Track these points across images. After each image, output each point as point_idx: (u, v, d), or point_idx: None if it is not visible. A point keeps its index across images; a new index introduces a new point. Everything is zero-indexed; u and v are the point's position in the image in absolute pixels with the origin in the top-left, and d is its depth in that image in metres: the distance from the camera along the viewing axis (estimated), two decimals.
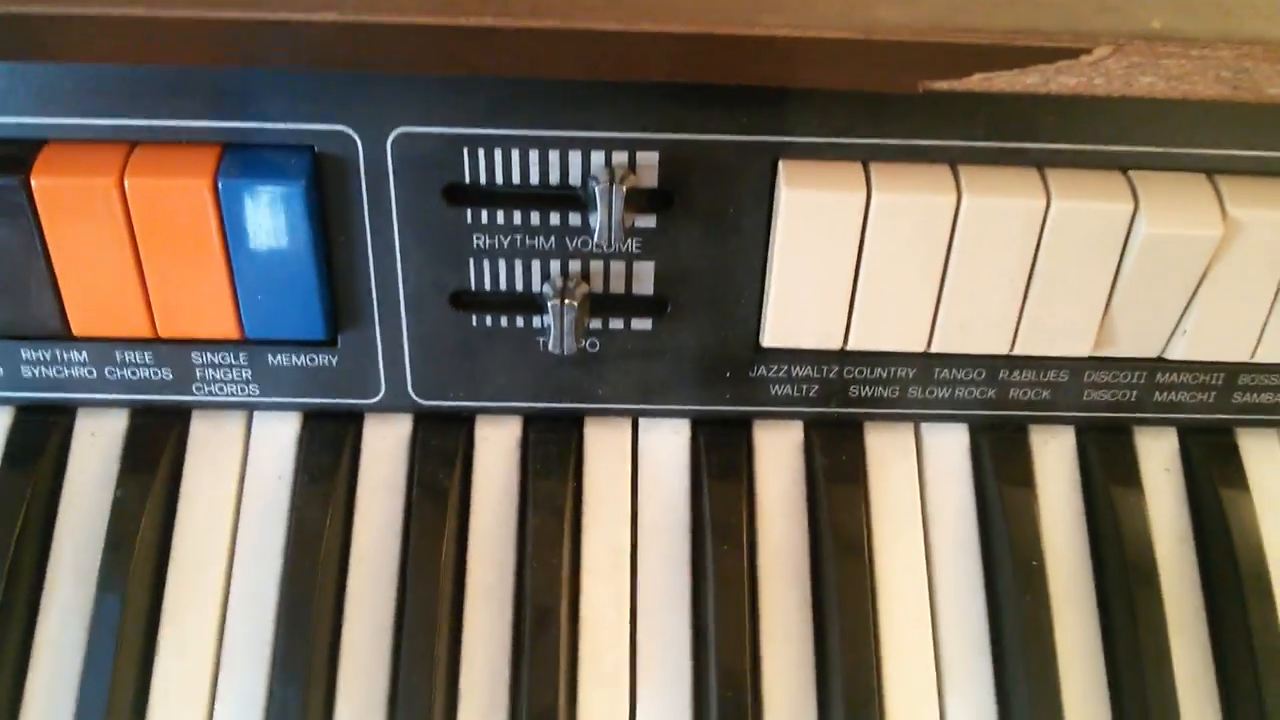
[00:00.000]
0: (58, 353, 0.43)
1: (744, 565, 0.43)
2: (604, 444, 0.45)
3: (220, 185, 0.39)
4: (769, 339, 0.42)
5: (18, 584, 0.42)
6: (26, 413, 0.45)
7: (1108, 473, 0.45)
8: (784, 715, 0.42)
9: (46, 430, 0.45)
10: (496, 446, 0.45)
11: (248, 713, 0.41)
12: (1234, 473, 0.45)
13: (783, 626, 0.43)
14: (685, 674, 0.42)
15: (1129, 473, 0.45)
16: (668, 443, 0.46)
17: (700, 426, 0.46)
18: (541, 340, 0.43)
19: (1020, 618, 0.42)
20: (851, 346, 0.42)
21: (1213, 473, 0.45)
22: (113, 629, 0.41)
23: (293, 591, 0.42)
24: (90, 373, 0.44)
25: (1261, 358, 0.43)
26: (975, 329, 0.42)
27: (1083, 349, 0.43)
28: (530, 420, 0.46)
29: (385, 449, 0.45)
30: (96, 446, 0.45)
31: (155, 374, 0.44)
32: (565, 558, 0.43)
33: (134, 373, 0.44)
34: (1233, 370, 0.44)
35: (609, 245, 0.40)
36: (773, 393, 0.45)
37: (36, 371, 0.44)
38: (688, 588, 0.44)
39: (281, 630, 0.42)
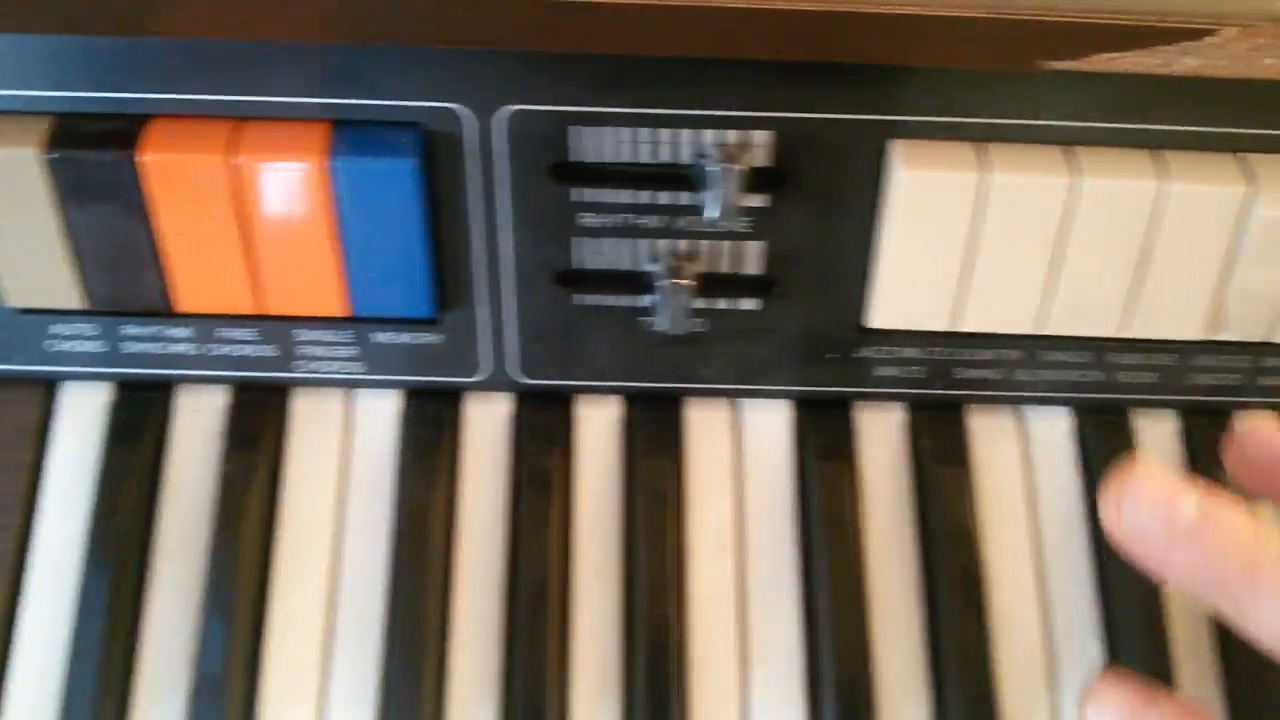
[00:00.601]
0: (161, 329, 0.43)
1: (855, 547, 0.43)
2: (705, 424, 0.45)
3: (332, 163, 0.39)
4: (875, 320, 0.42)
5: (128, 562, 0.43)
6: (127, 389, 0.45)
7: (1212, 455, 0.45)
8: (898, 699, 0.42)
9: (148, 407, 0.45)
10: (598, 426, 0.45)
11: (361, 689, 0.42)
12: None
13: (893, 610, 0.43)
14: (796, 657, 0.42)
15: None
16: (769, 423, 0.45)
17: (801, 407, 0.46)
18: (646, 320, 0.43)
19: (1135, 601, 0.42)
20: (959, 328, 0.42)
21: None
22: (225, 607, 0.42)
23: (403, 570, 0.42)
24: (193, 349, 0.44)
25: None
26: (1085, 311, 0.42)
27: (1193, 332, 0.42)
28: (630, 400, 0.46)
29: (487, 427, 0.45)
30: (198, 423, 0.45)
31: (258, 351, 0.44)
32: (672, 538, 0.43)
33: (237, 349, 0.44)
34: None
35: (721, 225, 0.40)
36: (876, 374, 0.44)
37: (139, 348, 0.44)
38: (796, 570, 0.44)
39: (394, 608, 0.42)
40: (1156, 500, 0.31)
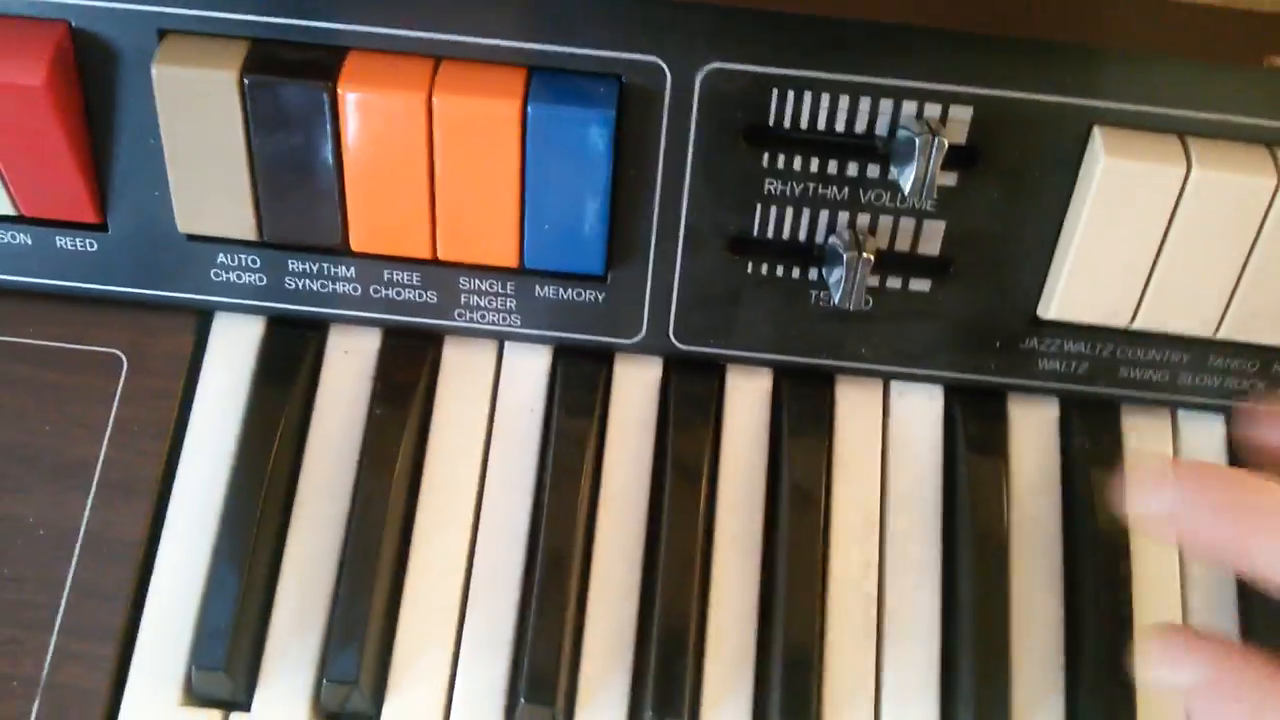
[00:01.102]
0: (326, 266, 0.43)
1: (1003, 540, 0.42)
2: (857, 405, 0.45)
3: (529, 109, 0.38)
4: (1054, 311, 0.41)
5: (272, 497, 0.42)
6: (280, 325, 0.45)
7: None
8: (1034, 693, 0.41)
9: (301, 345, 0.45)
10: (749, 398, 0.45)
11: (495, 640, 0.41)
12: None
13: (1034, 606, 0.42)
14: (934, 643, 0.42)
15: None
16: (922, 408, 0.45)
17: (954, 394, 0.45)
18: (816, 293, 0.42)
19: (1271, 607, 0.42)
20: (1136, 326, 0.41)
21: None
22: (369, 548, 0.41)
23: (546, 527, 0.42)
24: (354, 290, 0.43)
25: None
26: (1265, 319, 0.41)
27: None
28: (782, 373, 0.45)
29: (638, 391, 0.45)
30: (351, 364, 0.45)
31: (419, 296, 0.43)
32: (820, 514, 0.43)
33: (398, 293, 0.43)
34: None
35: (919, 202, 0.39)
36: (1039, 367, 0.44)
37: (300, 284, 0.43)
38: (939, 556, 0.43)
39: (534, 564, 0.42)
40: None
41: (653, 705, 0.40)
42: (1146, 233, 0.39)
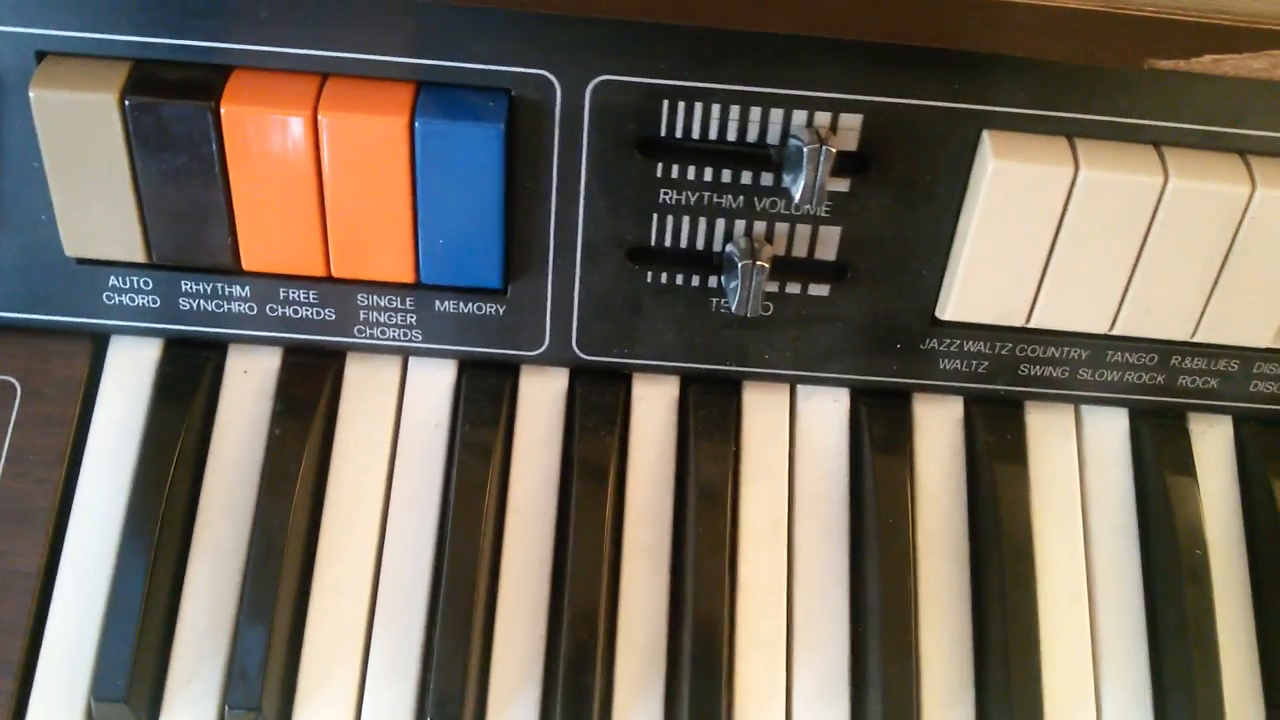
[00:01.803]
0: (220, 286, 0.42)
1: (909, 541, 0.43)
2: (764, 410, 0.45)
3: (417, 124, 0.38)
4: (951, 312, 0.42)
5: (171, 522, 0.42)
6: (177, 346, 0.44)
7: (1270, 466, 0.45)
8: (943, 691, 0.42)
9: (199, 366, 0.44)
10: (655, 406, 0.45)
11: (402, 661, 0.41)
12: None
13: (942, 604, 0.43)
14: (843, 642, 0.42)
15: None
16: (827, 411, 0.45)
17: (860, 396, 0.45)
18: (716, 301, 0.42)
19: (1183, 607, 0.42)
20: (1033, 324, 0.42)
21: None
22: (271, 570, 0.41)
23: (452, 543, 0.41)
24: (250, 309, 0.43)
25: None
26: (1160, 313, 0.42)
27: (1264, 339, 0.42)
28: (688, 381, 0.45)
29: (543, 402, 0.44)
30: (250, 384, 0.44)
31: (317, 314, 0.43)
32: (726, 520, 0.43)
33: (295, 311, 0.43)
34: None
35: (811, 208, 0.40)
36: (941, 367, 0.44)
37: (195, 305, 0.43)
38: (846, 559, 0.43)
39: (440, 582, 0.41)
40: None
41: (562, 717, 0.40)
42: (1038, 233, 0.40)
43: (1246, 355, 0.44)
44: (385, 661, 0.41)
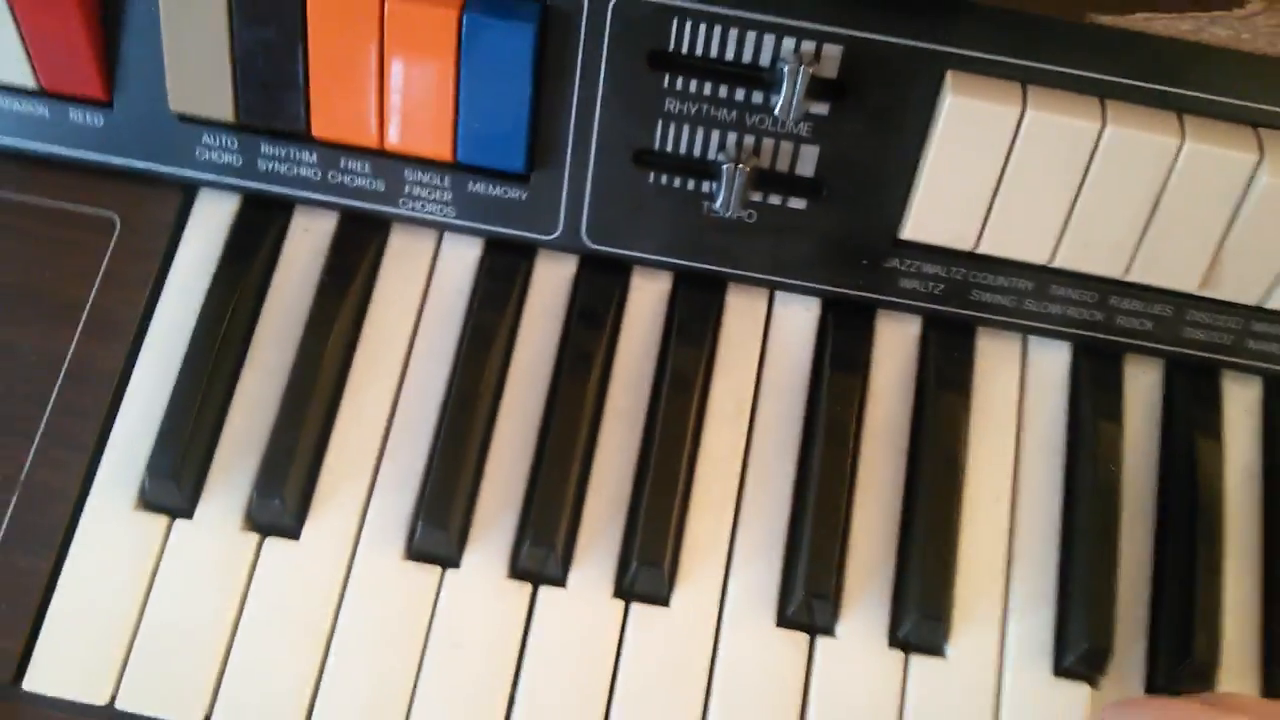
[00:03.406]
0: (292, 150, 0.50)
1: (850, 434, 0.48)
2: (742, 308, 0.51)
3: (465, 18, 0.45)
4: (909, 232, 0.48)
5: (230, 343, 0.49)
6: (253, 202, 0.52)
7: (1192, 414, 0.49)
8: (866, 565, 0.47)
9: (268, 220, 0.52)
10: (648, 296, 0.51)
11: (406, 480, 0.48)
12: None
13: (875, 491, 0.48)
14: (784, 513, 0.48)
15: (1212, 416, 0.50)
16: (798, 316, 0.51)
17: (829, 306, 0.51)
18: (706, 204, 0.49)
19: (1092, 524, 0.47)
20: (981, 250, 0.47)
21: None
22: (305, 390, 0.48)
23: (462, 385, 0.48)
24: (316, 174, 0.50)
25: None
26: (1096, 249, 0.47)
27: (1190, 285, 0.47)
28: (680, 277, 0.52)
29: (553, 282, 0.51)
30: (309, 241, 0.52)
31: (370, 183, 0.50)
32: (695, 398, 0.49)
33: (352, 180, 0.50)
34: None
35: (785, 124, 0.46)
36: (900, 285, 0.50)
37: (270, 166, 0.50)
38: (797, 443, 0.49)
39: (447, 419, 0.48)
40: None
41: (530, 539, 0.46)
42: (988, 166, 0.45)
43: (1178, 300, 0.48)
44: (392, 478, 0.48)
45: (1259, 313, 0.48)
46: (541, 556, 0.46)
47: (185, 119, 0.50)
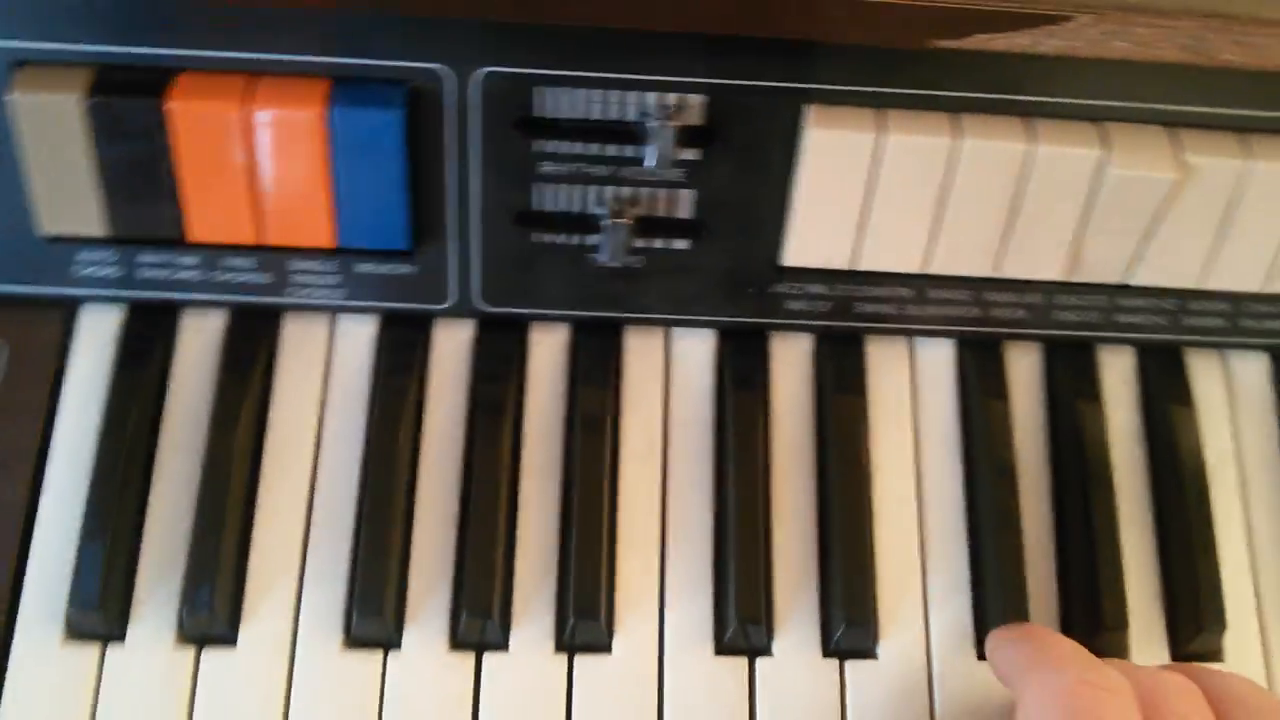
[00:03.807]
0: (172, 256, 0.49)
1: (760, 455, 0.50)
2: (641, 349, 0.52)
3: (331, 113, 0.45)
4: (789, 259, 0.49)
5: (135, 458, 0.49)
6: (138, 311, 0.51)
7: (1072, 386, 0.52)
8: (792, 581, 0.49)
9: (156, 327, 0.51)
10: (548, 349, 0.52)
11: (335, 567, 0.48)
12: (1181, 385, 0.53)
13: (791, 504, 0.50)
14: (707, 544, 0.50)
15: (1091, 386, 0.53)
16: (696, 349, 0.53)
17: (724, 336, 0.53)
18: (593, 256, 0.50)
19: (994, 507, 0.50)
20: (858, 267, 0.50)
21: (1163, 385, 0.53)
22: (218, 494, 0.48)
23: (376, 465, 0.49)
24: (198, 276, 0.50)
25: (1211, 285, 0.50)
26: (966, 253, 0.49)
27: (1055, 274, 0.50)
28: (577, 327, 0.53)
29: (453, 349, 0.52)
30: (200, 341, 0.51)
31: (256, 278, 0.50)
32: (607, 441, 0.50)
33: (237, 276, 0.50)
34: (1184, 296, 0.51)
35: (659, 174, 0.47)
36: (788, 307, 0.52)
37: (151, 273, 0.50)
38: (711, 473, 0.51)
39: (367, 501, 0.49)
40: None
41: (467, 609, 0.47)
42: (854, 190, 0.47)
43: (1047, 288, 0.51)
44: (319, 570, 0.48)
45: (1122, 289, 0.51)
46: (480, 625, 0.47)
47: (58, 239, 0.49)
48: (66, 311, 0.51)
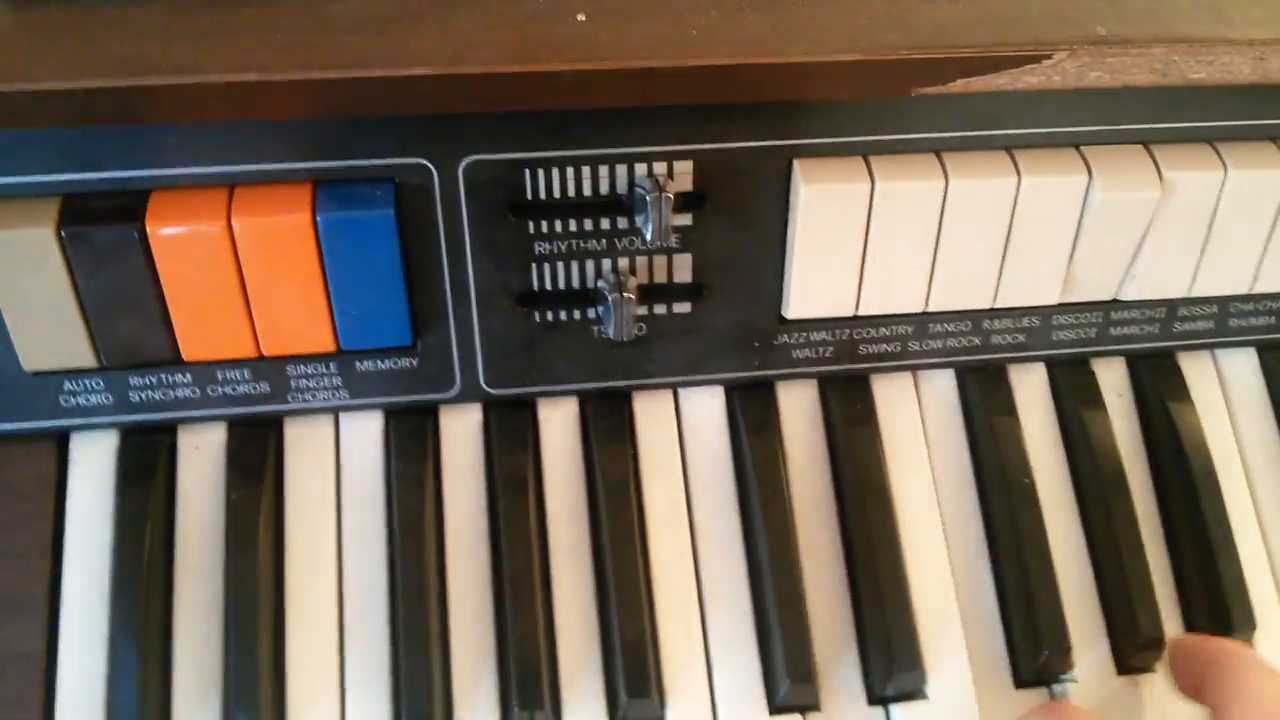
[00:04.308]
0: (165, 377, 0.48)
1: (787, 507, 0.50)
2: (653, 414, 0.52)
3: (318, 219, 0.44)
4: (791, 311, 0.49)
5: (153, 589, 0.47)
6: (133, 434, 0.50)
7: (1076, 399, 0.53)
8: (831, 632, 0.50)
9: (155, 449, 0.50)
10: (559, 425, 0.52)
11: (375, 675, 0.48)
12: (1178, 388, 0.54)
13: (820, 554, 0.51)
14: (746, 601, 0.50)
15: (1093, 397, 0.54)
16: (707, 407, 0.52)
17: (733, 391, 0.53)
18: (596, 329, 0.50)
19: (1017, 527, 0.51)
20: (861, 312, 0.50)
21: (1161, 390, 0.54)
22: (247, 619, 0.47)
23: (402, 567, 0.48)
24: (194, 393, 0.49)
25: (1197, 292, 0.51)
26: (963, 288, 0.50)
27: (1051, 298, 0.51)
28: (585, 399, 0.52)
29: (463, 435, 0.51)
30: (203, 458, 0.50)
31: (254, 389, 0.49)
32: (634, 508, 0.50)
33: (234, 389, 0.49)
34: (1173, 304, 0.53)
35: (662, 243, 0.47)
36: (794, 356, 0.52)
37: (144, 396, 0.49)
38: (739, 530, 0.51)
39: (397, 601, 0.48)
40: None
41: (518, 703, 0.46)
42: (850, 239, 0.47)
43: (1043, 311, 0.52)
44: (361, 680, 0.48)
45: (1114, 304, 0.52)
46: (530, 716, 0.47)
47: (42, 374, 0.47)
48: (56, 443, 0.49)
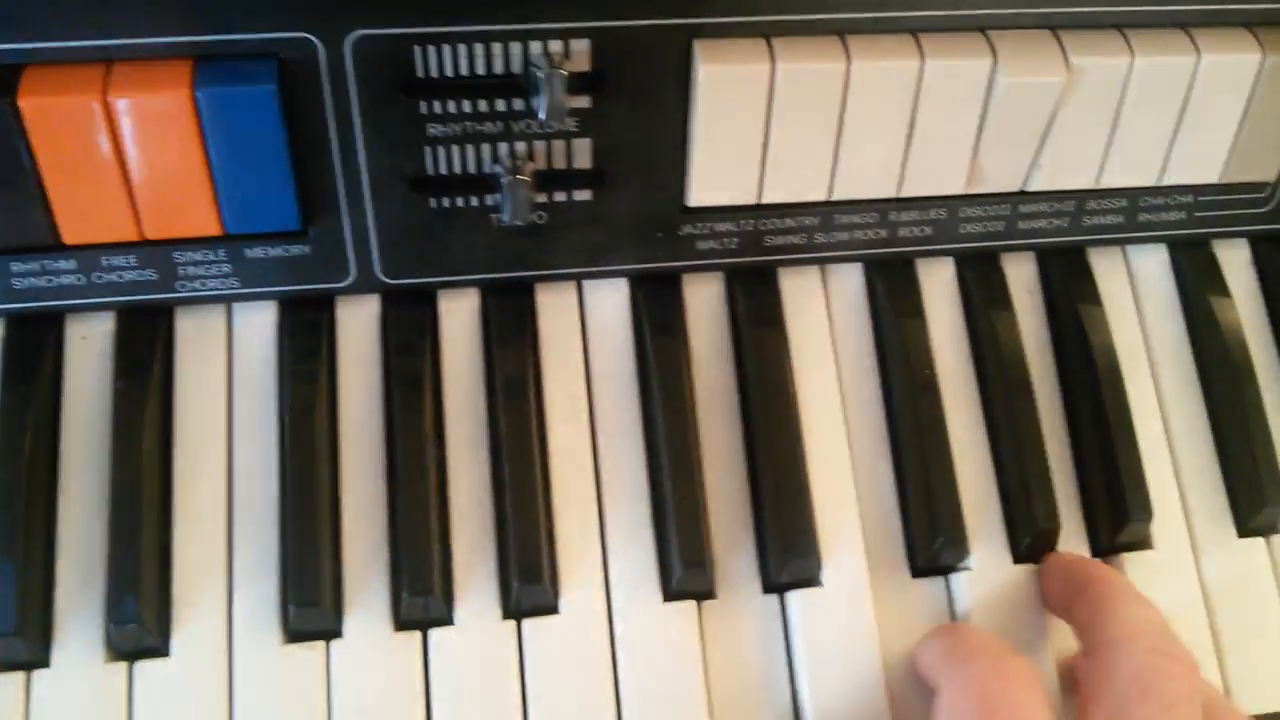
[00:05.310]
0: (47, 263, 0.47)
1: (686, 399, 0.50)
2: (555, 306, 0.51)
3: (198, 94, 0.43)
4: (693, 199, 0.49)
5: (36, 479, 0.46)
6: (18, 323, 0.49)
7: (983, 296, 0.53)
8: (728, 521, 0.49)
9: (40, 338, 0.48)
10: (459, 317, 0.51)
11: (264, 562, 0.47)
12: (1087, 285, 0.54)
13: (720, 449, 0.50)
14: (643, 495, 0.49)
15: (1001, 293, 0.53)
16: (610, 300, 0.52)
17: (637, 283, 0.52)
18: (495, 216, 0.48)
19: (918, 420, 0.50)
20: (764, 200, 0.49)
21: (1070, 287, 0.53)
22: (132, 504, 0.46)
23: (294, 452, 0.47)
24: (79, 280, 0.47)
25: (1105, 184, 0.51)
26: (867, 176, 0.49)
27: (957, 187, 0.50)
28: (487, 291, 0.51)
29: (359, 327, 0.50)
30: (90, 348, 0.49)
31: (141, 275, 0.48)
32: (532, 402, 0.49)
33: (120, 276, 0.48)
34: (1082, 197, 0.52)
35: (558, 125, 0.46)
36: (698, 248, 0.51)
37: (28, 283, 0.47)
38: (639, 423, 0.50)
39: (290, 492, 0.47)
40: None
41: (408, 590, 0.46)
42: (752, 123, 0.46)
43: (950, 203, 0.51)
44: (249, 567, 0.47)
45: (1022, 196, 0.52)
46: (423, 603, 0.46)
47: None
48: None
